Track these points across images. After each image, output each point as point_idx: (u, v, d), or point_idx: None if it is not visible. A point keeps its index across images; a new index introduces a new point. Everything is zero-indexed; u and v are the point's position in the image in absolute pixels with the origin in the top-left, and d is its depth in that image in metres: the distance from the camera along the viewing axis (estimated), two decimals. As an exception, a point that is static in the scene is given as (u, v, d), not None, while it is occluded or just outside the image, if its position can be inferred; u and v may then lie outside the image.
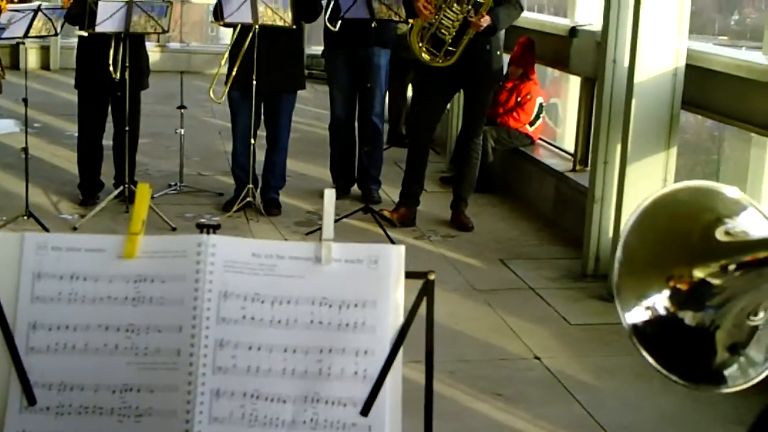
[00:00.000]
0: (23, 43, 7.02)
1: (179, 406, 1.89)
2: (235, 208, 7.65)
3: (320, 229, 6.12)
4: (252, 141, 7.62)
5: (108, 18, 7.03)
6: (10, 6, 6.63)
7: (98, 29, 7.05)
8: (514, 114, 8.69)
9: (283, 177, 7.99)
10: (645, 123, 6.28)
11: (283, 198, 7.94)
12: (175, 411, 1.89)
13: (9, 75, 7.52)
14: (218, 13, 7.34)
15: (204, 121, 10.69)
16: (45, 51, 14.29)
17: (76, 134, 7.93)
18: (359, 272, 1.92)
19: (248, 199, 7.67)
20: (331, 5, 7.71)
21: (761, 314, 1.71)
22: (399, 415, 1.93)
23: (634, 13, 6.26)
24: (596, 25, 7.77)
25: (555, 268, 6.92)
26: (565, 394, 5.04)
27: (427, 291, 1.92)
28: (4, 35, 6.44)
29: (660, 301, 1.72)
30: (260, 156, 7.88)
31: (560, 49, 8.41)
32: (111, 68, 7.21)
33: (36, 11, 6.69)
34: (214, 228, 1.89)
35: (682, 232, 1.74)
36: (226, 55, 7.59)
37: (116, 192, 7.59)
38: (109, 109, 7.72)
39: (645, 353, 1.73)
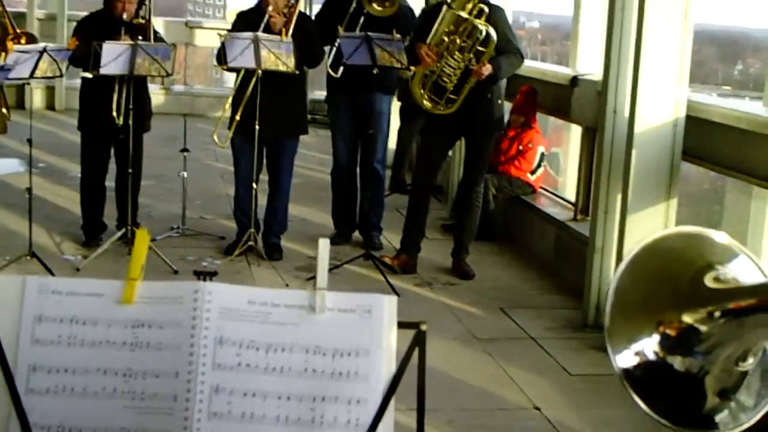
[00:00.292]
0: (29, 84, 7.08)
1: (175, 451, 1.91)
2: (236, 252, 7.66)
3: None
4: (254, 185, 7.66)
5: (113, 60, 7.08)
6: (17, 47, 6.68)
7: (103, 71, 7.10)
8: (516, 162, 8.72)
9: (284, 222, 8.02)
10: (645, 173, 6.31)
11: (285, 243, 7.96)
12: (170, 456, 1.91)
13: (14, 115, 7.57)
14: (222, 58, 7.38)
15: (207, 165, 10.73)
16: (50, 91, 14.36)
17: (80, 175, 7.98)
18: (352, 321, 1.94)
19: (250, 243, 7.68)
20: (334, 51, 7.77)
21: (750, 360, 1.73)
22: (391, 463, 1.94)
23: (635, 63, 6.30)
24: (597, 75, 7.80)
25: (555, 317, 6.92)
26: (564, 444, 5.03)
27: (419, 341, 1.94)
28: (10, 76, 6.48)
29: (650, 346, 1.74)
30: (262, 200, 7.90)
31: (561, 98, 8.46)
32: (114, 113, 7.26)
33: (42, 52, 6.75)
34: (211, 275, 1.92)
35: (672, 278, 1.76)
36: (230, 99, 7.64)
37: (119, 234, 7.61)
38: (112, 150, 7.76)
39: (636, 397, 1.74)
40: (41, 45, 6.87)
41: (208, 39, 13.96)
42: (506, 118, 8.41)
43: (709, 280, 1.73)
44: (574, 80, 8.28)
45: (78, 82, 7.88)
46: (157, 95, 12.84)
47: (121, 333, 1.92)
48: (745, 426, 1.73)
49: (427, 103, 7.37)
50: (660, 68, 6.23)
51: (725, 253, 1.78)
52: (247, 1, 8.00)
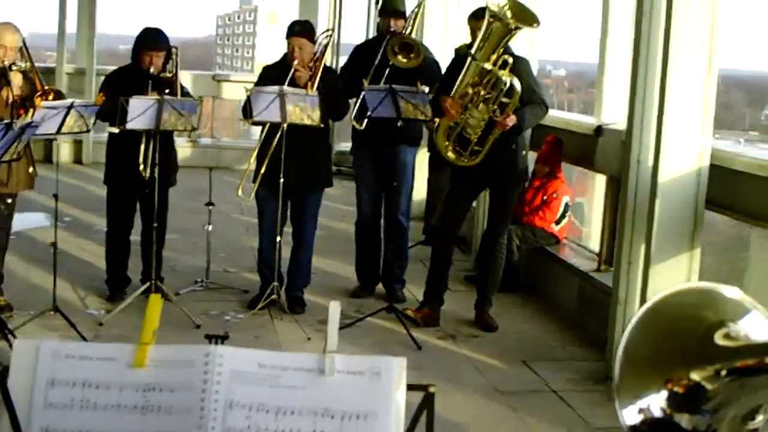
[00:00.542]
0: (55, 139, 7.14)
1: None
2: (259, 306, 7.65)
3: (344, 327, 6.11)
4: (278, 239, 7.68)
5: (139, 115, 7.13)
6: (45, 103, 6.73)
7: (129, 126, 7.15)
8: (540, 213, 8.71)
9: (308, 275, 8.02)
10: (669, 223, 6.28)
11: (308, 295, 7.95)
12: None
13: (42, 169, 7.60)
14: (247, 112, 7.44)
15: (232, 218, 10.78)
16: (78, 145, 14.48)
17: (105, 229, 8.03)
18: (361, 384, 1.94)
19: (273, 296, 7.67)
20: (358, 104, 7.81)
21: (759, 417, 1.71)
22: None
23: (658, 113, 6.30)
24: (622, 124, 7.79)
25: (578, 370, 6.88)
26: (587, 498, 4.99)
27: (427, 403, 1.93)
28: (38, 132, 6.53)
29: (658, 403, 1.73)
30: (286, 253, 7.92)
31: (586, 148, 8.46)
32: (141, 167, 7.31)
33: (69, 108, 6.80)
34: (222, 338, 1.93)
35: (682, 334, 1.75)
36: (255, 152, 7.67)
37: (143, 288, 7.61)
38: (138, 204, 7.80)
39: None
40: (69, 101, 6.92)
41: (235, 92, 14.06)
42: (531, 168, 8.41)
43: (719, 338, 1.72)
44: (599, 130, 8.28)
45: (105, 136, 7.94)
46: (183, 148, 12.92)
47: (132, 397, 1.93)
48: None
49: (451, 155, 7.39)
50: (684, 117, 6.23)
51: (737, 310, 1.77)
52: (274, 55, 8.06)
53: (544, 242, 8.74)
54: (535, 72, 8.24)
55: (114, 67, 8.22)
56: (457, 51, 8.83)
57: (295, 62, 7.47)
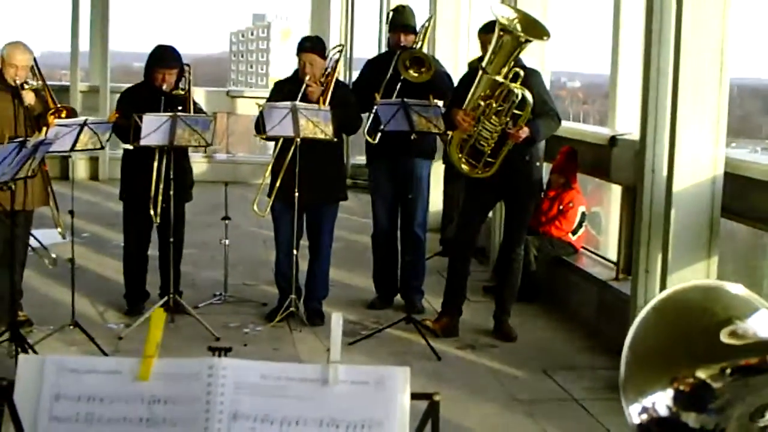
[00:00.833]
0: (70, 156, 7.19)
1: None
2: (278, 318, 7.69)
3: (363, 338, 6.14)
4: (294, 251, 7.70)
5: (152, 132, 7.18)
6: (58, 120, 6.79)
7: (143, 142, 7.20)
8: (557, 223, 8.71)
9: (326, 287, 8.04)
10: (685, 231, 6.28)
11: (326, 307, 7.97)
12: None
13: (58, 186, 7.65)
14: (260, 127, 7.48)
15: (249, 231, 10.80)
16: (94, 161, 14.57)
17: (123, 244, 8.06)
18: (366, 393, 1.95)
19: (291, 309, 7.71)
20: (371, 118, 7.83)
21: None
22: None
23: (672, 122, 6.30)
24: (636, 134, 7.78)
25: (598, 378, 6.86)
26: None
27: (432, 412, 1.94)
28: (51, 149, 6.58)
29: (664, 401, 1.72)
30: (303, 266, 7.94)
31: (601, 158, 8.45)
32: (152, 211, 7.41)
33: (82, 125, 6.85)
34: (226, 351, 1.94)
35: (687, 332, 1.75)
36: (269, 167, 7.70)
37: (161, 302, 7.66)
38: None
39: None
40: (82, 118, 6.98)
41: (249, 107, 14.14)
42: (545, 179, 8.41)
43: (724, 335, 1.72)
44: (613, 140, 8.27)
45: (121, 152, 8.00)
46: (199, 164, 13.00)
47: (137, 409, 1.95)
48: None
49: (465, 167, 7.39)
50: (697, 126, 6.23)
51: (745, 307, 1.76)
52: (287, 70, 8.10)
53: (561, 252, 8.74)
54: (548, 84, 8.25)
55: (128, 85, 8.28)
56: (471, 64, 8.85)
57: (307, 77, 7.50)
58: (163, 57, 7.63)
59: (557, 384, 6.76)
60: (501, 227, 8.56)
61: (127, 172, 7.84)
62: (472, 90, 7.24)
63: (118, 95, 8.15)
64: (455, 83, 8.01)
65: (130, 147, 7.47)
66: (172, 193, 7.46)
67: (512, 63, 7.11)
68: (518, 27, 7.02)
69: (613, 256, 8.49)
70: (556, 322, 8.21)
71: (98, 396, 1.95)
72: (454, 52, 11.47)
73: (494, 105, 7.17)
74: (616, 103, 8.89)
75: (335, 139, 7.47)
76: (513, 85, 7.10)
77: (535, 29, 7.12)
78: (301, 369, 1.99)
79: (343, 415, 1.93)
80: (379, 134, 7.78)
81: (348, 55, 14.78)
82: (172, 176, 7.43)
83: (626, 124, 8.58)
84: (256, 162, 13.81)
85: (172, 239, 7.64)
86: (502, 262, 7.91)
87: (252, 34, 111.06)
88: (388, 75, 7.92)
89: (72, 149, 6.90)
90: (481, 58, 7.40)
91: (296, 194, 7.48)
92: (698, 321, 1.75)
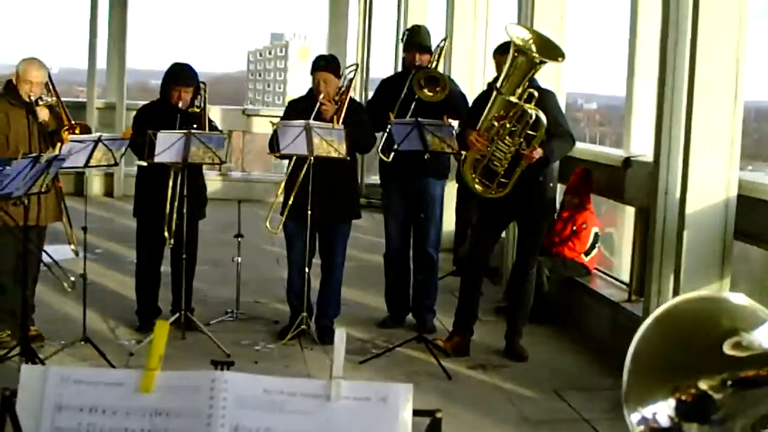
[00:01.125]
0: (84, 172, 7.22)
1: None
2: (289, 336, 7.69)
3: (374, 357, 6.14)
4: (306, 270, 7.70)
5: (167, 149, 7.21)
6: (72, 137, 6.83)
7: (157, 159, 7.23)
8: (570, 243, 8.69)
9: (337, 305, 8.04)
10: (697, 254, 6.27)
11: (338, 326, 7.93)
12: None
13: (73, 201, 7.69)
14: (274, 145, 7.49)
15: (262, 249, 10.82)
16: (109, 178, 14.63)
17: (136, 261, 8.09)
18: (368, 410, 1.94)
19: (302, 327, 7.71)
20: (385, 137, 7.84)
21: None
22: None
23: (685, 144, 6.30)
24: (649, 156, 7.77)
25: (609, 399, 6.82)
26: None
27: (434, 429, 1.94)
28: (65, 165, 6.62)
29: (665, 411, 1.71)
30: (316, 284, 7.95)
31: (615, 180, 8.44)
32: (165, 233, 7.44)
33: (96, 142, 6.89)
34: (228, 365, 1.94)
35: (690, 342, 1.74)
36: (283, 185, 7.72)
37: (173, 318, 7.66)
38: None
39: None
40: (96, 135, 7.02)
41: (265, 126, 14.18)
42: (559, 200, 8.40)
43: (728, 347, 1.71)
44: (627, 161, 8.27)
45: (135, 169, 8.03)
46: (214, 181, 13.04)
47: (139, 421, 1.95)
48: None
49: (478, 187, 7.38)
50: (710, 148, 6.23)
51: (751, 319, 1.75)
52: (305, 90, 8.11)
53: (574, 273, 8.72)
54: (563, 105, 8.24)
55: (144, 102, 8.32)
56: (490, 84, 8.87)
57: (321, 96, 7.52)
58: (180, 75, 7.67)
59: (568, 404, 6.73)
60: (514, 248, 8.56)
61: (141, 189, 7.87)
62: (486, 110, 7.24)
63: (134, 112, 8.20)
64: (470, 103, 8.01)
65: (144, 164, 7.50)
66: (185, 210, 7.49)
67: (527, 84, 7.11)
68: (533, 48, 7.02)
69: (626, 278, 8.47)
70: (567, 343, 8.19)
71: (101, 407, 1.95)
72: (470, 71, 11.49)
73: (508, 125, 7.17)
74: (631, 125, 8.89)
75: (348, 158, 7.48)
76: (527, 105, 7.09)
77: (550, 50, 7.13)
78: (304, 384, 1.99)
79: (345, 430, 1.93)
80: (393, 154, 7.79)
81: (364, 75, 14.83)
82: (185, 193, 7.46)
83: (641, 145, 8.58)
84: (270, 180, 13.85)
85: (184, 256, 7.66)
86: (514, 283, 7.90)
87: (270, 53, 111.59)
88: (403, 94, 7.92)
89: (86, 165, 6.94)
90: (495, 79, 7.41)
91: (309, 212, 7.49)
92: (702, 331, 1.75)
